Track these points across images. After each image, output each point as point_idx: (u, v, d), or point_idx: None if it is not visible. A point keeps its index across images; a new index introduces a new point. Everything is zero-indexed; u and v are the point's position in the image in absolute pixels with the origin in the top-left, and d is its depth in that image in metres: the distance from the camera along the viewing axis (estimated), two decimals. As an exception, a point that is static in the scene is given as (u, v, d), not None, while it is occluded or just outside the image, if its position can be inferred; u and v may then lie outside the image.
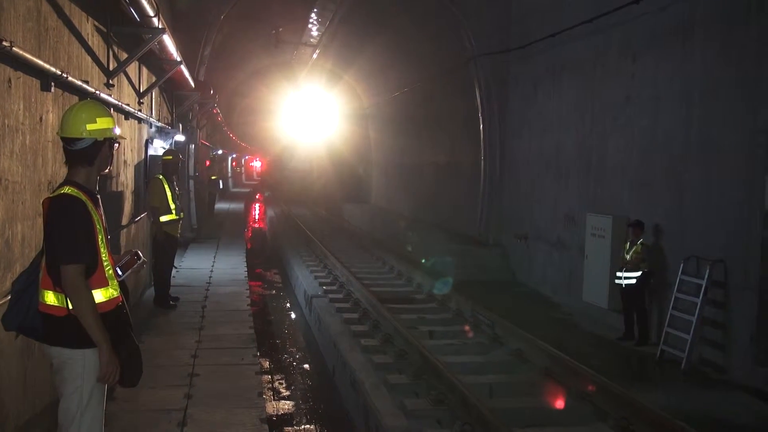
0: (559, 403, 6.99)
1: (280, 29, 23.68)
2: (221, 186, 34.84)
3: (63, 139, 3.66)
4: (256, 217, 34.69)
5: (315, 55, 25.17)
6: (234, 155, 55.68)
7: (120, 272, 3.87)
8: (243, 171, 72.51)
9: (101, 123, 3.65)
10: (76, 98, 6.37)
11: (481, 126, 16.34)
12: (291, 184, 40.91)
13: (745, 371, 8.16)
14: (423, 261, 15.75)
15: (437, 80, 18.97)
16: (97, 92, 6.90)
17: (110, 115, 3.77)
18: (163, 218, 9.68)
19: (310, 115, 35.18)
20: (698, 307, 8.77)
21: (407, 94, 21.98)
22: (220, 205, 30.73)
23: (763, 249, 8.11)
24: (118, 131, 3.80)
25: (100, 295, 3.57)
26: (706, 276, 8.72)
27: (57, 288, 3.49)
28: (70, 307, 3.48)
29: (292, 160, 41.88)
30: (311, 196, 37.22)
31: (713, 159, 8.98)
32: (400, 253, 17.35)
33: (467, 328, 10.07)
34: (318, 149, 36.98)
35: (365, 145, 30.62)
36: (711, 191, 9.01)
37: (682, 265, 9.21)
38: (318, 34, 23.05)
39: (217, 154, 33.68)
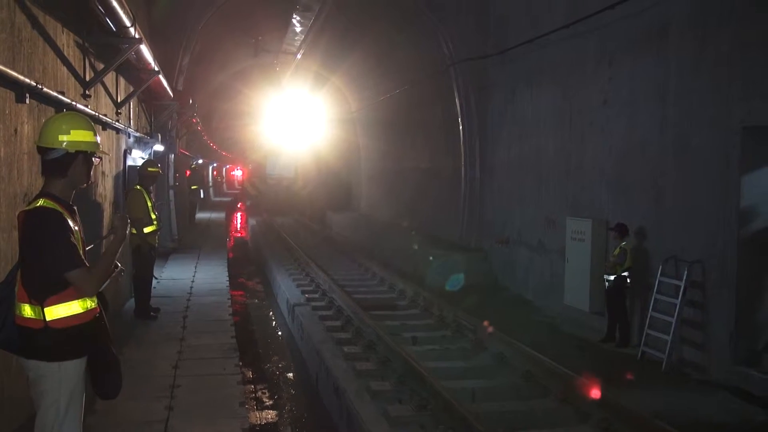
0: (541, 406, 7.03)
1: (260, 38, 23.61)
2: (202, 195, 34.56)
3: (38, 148, 3.65)
4: (238, 226, 34.54)
5: (299, 56, 24.45)
6: (215, 164, 55.39)
7: None
8: (224, 180, 72.15)
9: (75, 135, 3.62)
10: (52, 110, 6.32)
11: (461, 131, 16.42)
12: (275, 193, 39.65)
13: (725, 370, 8.26)
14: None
15: (421, 85, 18.93)
16: (74, 103, 6.85)
17: (90, 129, 3.73)
18: (145, 229, 9.64)
19: (295, 119, 33.51)
20: (677, 307, 8.87)
21: (395, 98, 21.55)
22: (201, 215, 30.52)
23: (739, 249, 8.23)
24: (97, 145, 3.74)
25: (77, 307, 3.55)
26: (685, 277, 8.82)
27: (33, 300, 3.47)
28: (47, 319, 3.46)
29: (275, 168, 40.40)
30: (296, 206, 36.00)
31: (689, 160, 9.10)
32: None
33: (450, 333, 10.09)
34: (303, 156, 35.64)
35: (353, 151, 29.50)
36: (687, 192, 9.12)
37: (661, 266, 9.31)
38: (299, 42, 22.78)
39: (197, 163, 33.31)
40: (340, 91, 27.56)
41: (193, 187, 26.44)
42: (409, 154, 21.61)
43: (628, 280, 9.82)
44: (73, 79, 7.53)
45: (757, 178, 8.20)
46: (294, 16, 19.42)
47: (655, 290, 9.36)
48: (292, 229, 26.44)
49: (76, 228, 3.62)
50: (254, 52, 24.68)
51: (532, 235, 13.52)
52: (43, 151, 3.63)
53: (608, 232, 10.54)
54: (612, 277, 9.86)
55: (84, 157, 3.67)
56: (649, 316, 9.39)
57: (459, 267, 15.01)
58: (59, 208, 3.52)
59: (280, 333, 12.53)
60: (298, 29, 21.01)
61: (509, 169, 14.79)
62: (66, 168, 3.62)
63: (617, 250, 9.84)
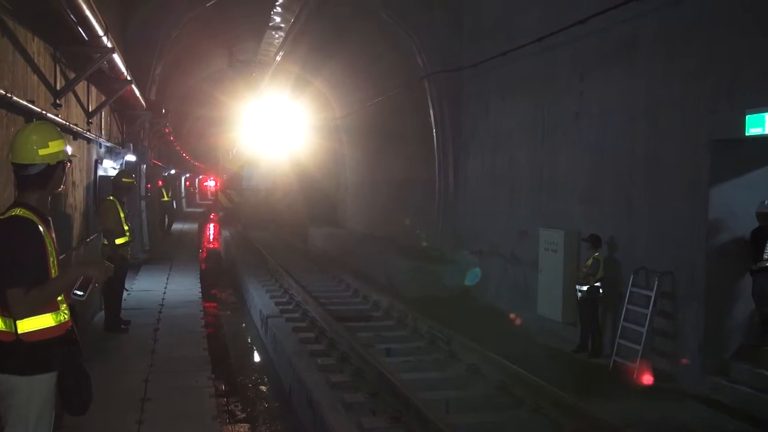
0: (515, 417, 7.06)
1: (234, 48, 23.44)
2: (174, 206, 33.82)
3: (14, 164, 3.58)
4: (211, 237, 34.20)
5: (279, 58, 23.07)
6: (187, 175, 54.93)
7: (79, 292, 3.78)
8: (197, 191, 71.65)
9: (53, 146, 3.60)
10: (21, 119, 6.23)
11: (435, 142, 16.50)
12: (252, 205, 35.81)
13: (695, 380, 8.37)
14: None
15: (400, 95, 18.69)
16: (44, 112, 6.76)
17: (61, 137, 3.71)
18: (117, 240, 9.51)
19: (274, 126, 31.07)
20: (648, 318, 8.98)
21: (380, 105, 20.74)
22: (173, 226, 30.07)
23: (708, 260, 8.37)
24: (69, 151, 3.75)
25: (50, 320, 3.49)
26: (655, 287, 8.94)
27: (5, 313, 3.40)
28: (19, 332, 3.40)
29: (252, 178, 36.55)
30: (275, 219, 33.08)
31: (659, 173, 9.25)
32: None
33: (424, 344, 10.08)
34: (282, 165, 33.04)
35: (338, 161, 27.46)
36: (658, 204, 9.26)
37: (632, 277, 9.43)
38: (278, 44, 22.09)
39: (170, 173, 32.68)
40: (323, 96, 25.95)
41: (165, 200, 25.81)
42: (394, 165, 21.20)
43: (601, 291, 9.92)
44: (43, 87, 7.43)
45: (725, 191, 8.36)
46: (272, 18, 19.23)
47: (626, 301, 9.47)
48: (270, 245, 25.00)
49: (50, 238, 3.57)
50: (229, 62, 24.48)
51: (506, 246, 13.60)
52: (20, 167, 3.57)
53: (581, 242, 10.65)
54: (584, 288, 9.96)
55: (62, 165, 3.67)
56: (620, 326, 9.49)
57: (433, 278, 15.04)
58: (35, 219, 3.48)
59: (253, 344, 12.43)
60: (276, 34, 20.73)
61: (483, 180, 14.90)
62: (48, 180, 3.61)
63: (590, 261, 9.94)
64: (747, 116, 7.57)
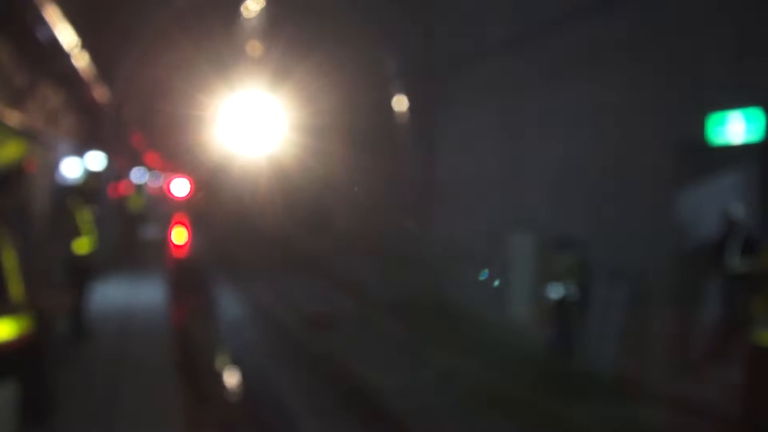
0: (487, 421, 7.04)
1: (208, 37, 23.01)
2: (145, 215, 32.52)
3: None
4: (179, 243, 33.48)
5: (256, 49, 22.51)
6: (156, 176, 54.05)
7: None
8: (165, 194, 70.81)
9: (6, 151, 3.47)
10: (-21, 119, 6.04)
11: (408, 144, 16.51)
12: (232, 212, 33.46)
13: (664, 382, 8.43)
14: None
15: (376, 98, 18.57)
16: (4, 113, 6.55)
17: (17, 139, 3.60)
18: (78, 245, 9.26)
19: (254, 123, 27.91)
20: (619, 321, 9.03)
21: (358, 105, 19.66)
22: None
23: (676, 264, 8.45)
24: (26, 153, 3.60)
25: (6, 328, 3.34)
26: (625, 291, 8.99)
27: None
28: None
29: (229, 181, 33.24)
30: (257, 227, 30.16)
31: (627, 177, 9.32)
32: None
33: (396, 349, 10.04)
34: (264, 166, 27.90)
35: (327, 162, 24.49)
36: (627, 208, 9.32)
37: (602, 280, 9.48)
38: (254, 33, 21.66)
39: (138, 177, 31.78)
40: (308, 89, 23.08)
41: (135, 203, 25.06)
42: (377, 166, 20.78)
43: (572, 294, 9.96)
44: (4, 88, 7.22)
45: (692, 195, 8.45)
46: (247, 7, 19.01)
47: (597, 303, 9.52)
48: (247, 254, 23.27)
49: (8, 245, 3.44)
50: (202, 51, 24.06)
51: (478, 249, 13.60)
52: None
53: (552, 246, 10.68)
54: (556, 291, 9.98)
55: (18, 168, 3.58)
56: (591, 329, 9.53)
57: (407, 281, 15.01)
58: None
59: (222, 350, 12.25)
60: (253, 19, 20.44)
61: (454, 183, 14.91)
62: (2, 185, 3.50)
63: (561, 264, 9.96)
64: (712, 121, 7.66)
